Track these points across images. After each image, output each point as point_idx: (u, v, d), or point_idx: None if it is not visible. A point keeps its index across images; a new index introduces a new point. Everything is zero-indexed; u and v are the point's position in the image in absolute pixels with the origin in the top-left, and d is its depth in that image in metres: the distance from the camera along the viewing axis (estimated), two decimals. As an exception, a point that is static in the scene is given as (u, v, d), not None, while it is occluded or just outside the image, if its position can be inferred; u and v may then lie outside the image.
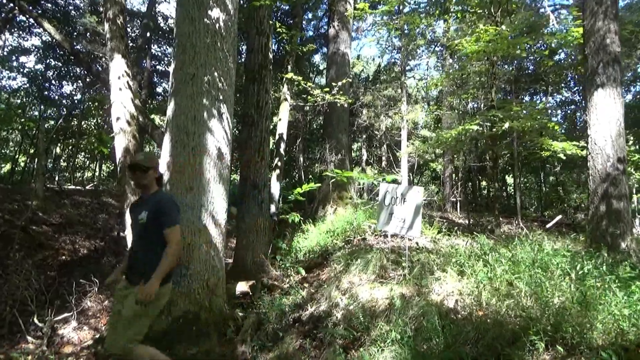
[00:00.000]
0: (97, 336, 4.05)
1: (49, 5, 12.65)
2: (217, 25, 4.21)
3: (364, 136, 17.27)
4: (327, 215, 8.68)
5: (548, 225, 8.84)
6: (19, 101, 13.95)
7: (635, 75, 14.05)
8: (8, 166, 14.78)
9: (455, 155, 15.58)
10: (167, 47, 16.82)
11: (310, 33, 16.28)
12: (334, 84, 8.93)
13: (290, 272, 5.66)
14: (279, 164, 9.17)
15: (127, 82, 5.97)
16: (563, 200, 15.05)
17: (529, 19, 8.88)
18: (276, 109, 11.01)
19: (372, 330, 3.36)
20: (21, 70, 13.17)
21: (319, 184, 8.79)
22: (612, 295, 2.95)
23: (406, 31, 12.34)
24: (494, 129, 7.98)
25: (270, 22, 7.22)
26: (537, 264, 3.61)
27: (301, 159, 15.29)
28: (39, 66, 13.41)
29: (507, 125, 7.32)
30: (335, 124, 10.36)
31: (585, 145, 5.76)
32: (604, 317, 2.73)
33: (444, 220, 8.96)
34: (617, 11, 5.39)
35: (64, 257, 6.29)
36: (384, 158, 18.06)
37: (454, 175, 16.67)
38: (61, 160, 17.12)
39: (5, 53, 13.06)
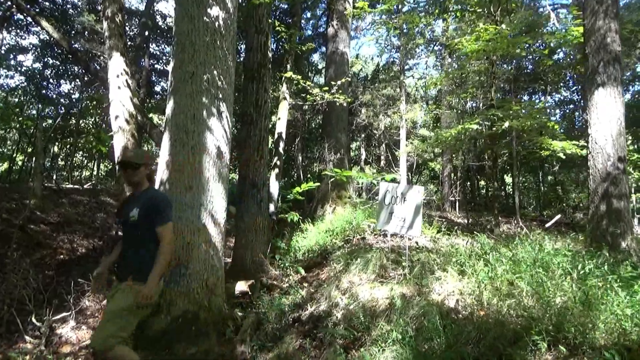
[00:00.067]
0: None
1: (47, 3, 12.60)
2: (216, 23, 4.18)
3: (363, 135, 17.25)
4: (326, 215, 8.67)
5: (547, 225, 8.83)
6: (16, 100, 13.87)
7: (634, 74, 14.07)
8: (6, 165, 14.71)
9: (454, 155, 15.58)
10: (166, 45, 16.77)
11: (309, 32, 16.27)
12: (333, 83, 8.92)
13: (290, 272, 5.64)
14: (278, 163, 9.15)
15: (126, 80, 5.94)
16: (561, 200, 15.06)
17: (529, 18, 8.88)
18: (275, 108, 10.99)
19: (372, 330, 3.34)
20: (19, 68, 13.09)
21: (317, 184, 8.78)
22: (614, 295, 2.94)
23: (405, 30, 12.33)
24: (494, 128, 7.98)
25: (269, 20, 7.20)
26: (538, 264, 3.60)
27: (300, 158, 15.25)
28: (37, 65, 13.35)
29: (507, 124, 7.31)
30: (334, 123, 10.35)
31: (585, 144, 5.75)
32: (607, 317, 2.72)
33: (443, 220, 8.96)
34: (617, 10, 5.38)
35: (62, 256, 6.24)
36: (382, 157, 18.05)
37: (452, 174, 16.67)
38: (59, 159, 17.04)
39: (2, 51, 12.98)
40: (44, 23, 7.58)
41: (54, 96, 14.18)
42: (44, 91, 13.52)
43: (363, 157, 18.31)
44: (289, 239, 7.03)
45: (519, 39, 7.65)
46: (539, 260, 3.68)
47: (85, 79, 13.51)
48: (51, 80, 13.67)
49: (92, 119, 15.96)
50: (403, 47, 13.46)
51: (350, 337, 3.41)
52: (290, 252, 6.42)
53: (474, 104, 15.53)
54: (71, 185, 12.28)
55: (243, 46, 11.89)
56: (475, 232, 5.64)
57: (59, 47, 11.91)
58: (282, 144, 9.48)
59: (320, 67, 17.77)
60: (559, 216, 10.22)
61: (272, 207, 8.08)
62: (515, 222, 9.08)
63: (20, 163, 15.06)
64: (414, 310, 3.36)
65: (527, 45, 9.36)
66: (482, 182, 18.55)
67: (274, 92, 11.58)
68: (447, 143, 9.20)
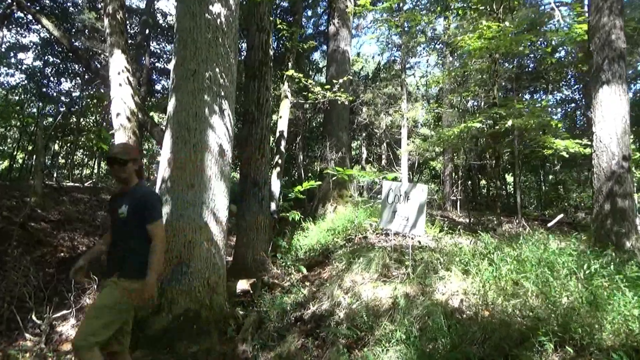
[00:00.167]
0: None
1: (48, 1, 12.58)
2: (218, 20, 4.15)
3: (364, 134, 17.21)
4: (328, 214, 8.64)
5: (550, 224, 8.79)
6: (17, 98, 13.83)
7: (636, 72, 13.94)
8: (6, 163, 14.68)
9: (455, 154, 15.53)
10: (166, 44, 16.74)
11: (310, 30, 16.20)
12: (334, 81, 8.87)
13: (291, 271, 5.60)
14: (280, 161, 9.11)
15: (127, 77, 5.90)
16: (563, 199, 15.01)
17: (531, 16, 8.83)
18: (276, 106, 10.95)
19: (376, 330, 3.31)
20: (19, 67, 13.10)
21: (319, 182, 8.75)
22: (621, 296, 2.90)
23: (406, 28, 12.27)
24: (496, 127, 7.94)
25: (271, 18, 7.16)
26: (543, 263, 3.56)
27: (301, 156, 15.21)
28: (38, 63, 13.37)
29: (510, 122, 7.27)
30: (335, 122, 10.31)
31: (588, 143, 5.71)
32: (613, 318, 2.68)
33: (445, 219, 8.91)
34: (622, 7, 5.35)
35: (62, 254, 6.22)
36: (384, 156, 18.00)
37: (453, 173, 16.62)
38: (60, 157, 17.03)
39: (3, 49, 12.96)
40: (45, 21, 7.55)
41: (55, 94, 14.19)
42: (44, 89, 13.51)
43: (364, 156, 18.27)
44: (290, 238, 6.99)
45: (522, 36, 7.61)
46: (544, 259, 3.64)
47: (86, 77, 13.50)
48: (52, 78, 13.69)
49: (93, 117, 15.93)
50: (404, 46, 13.39)
51: (353, 336, 3.38)
52: (292, 250, 6.39)
53: (476, 103, 15.47)
54: (72, 183, 12.27)
55: (244, 44, 11.83)
56: (478, 232, 5.60)
57: (60, 45, 11.88)
58: (283, 143, 9.43)
59: (321, 65, 17.70)
60: (561, 215, 10.17)
61: (273, 206, 8.04)
62: (517, 221, 9.05)
63: (20, 161, 15.04)
64: (418, 310, 3.33)
65: (530, 43, 9.31)
66: (484, 182, 18.50)
67: (275, 90, 11.53)
68: (450, 141, 9.16)
